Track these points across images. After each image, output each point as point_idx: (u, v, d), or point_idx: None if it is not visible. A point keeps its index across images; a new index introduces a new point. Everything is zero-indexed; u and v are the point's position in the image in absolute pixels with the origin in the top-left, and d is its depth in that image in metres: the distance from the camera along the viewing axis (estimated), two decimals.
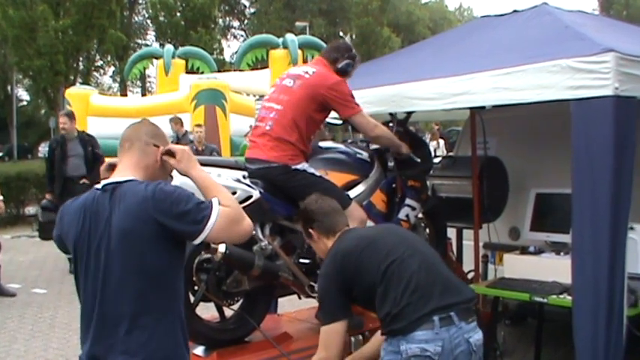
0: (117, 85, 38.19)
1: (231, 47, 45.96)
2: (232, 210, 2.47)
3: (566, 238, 4.46)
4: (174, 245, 2.45)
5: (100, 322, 2.42)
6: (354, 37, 50.38)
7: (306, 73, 4.05)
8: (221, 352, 3.59)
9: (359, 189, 4.22)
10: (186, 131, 11.31)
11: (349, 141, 4.80)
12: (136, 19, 38.58)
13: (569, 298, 3.92)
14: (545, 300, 4.05)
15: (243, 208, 3.55)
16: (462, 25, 5.71)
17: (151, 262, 2.39)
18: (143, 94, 35.51)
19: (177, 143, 10.65)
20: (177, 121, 11.30)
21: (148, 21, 39.61)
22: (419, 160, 4.44)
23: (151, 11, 33.45)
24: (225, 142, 12.85)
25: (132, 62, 19.01)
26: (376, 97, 4.40)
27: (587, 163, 3.42)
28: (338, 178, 4.09)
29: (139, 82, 40.05)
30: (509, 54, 4.08)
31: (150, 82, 40.19)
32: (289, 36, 17.10)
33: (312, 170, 3.90)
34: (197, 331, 3.68)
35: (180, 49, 18.54)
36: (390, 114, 4.59)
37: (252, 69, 17.45)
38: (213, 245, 3.51)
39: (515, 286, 4.26)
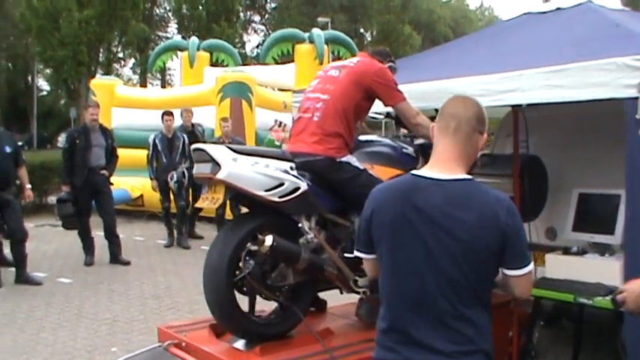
0: (137, 77, 38.22)
1: (251, 42, 45.92)
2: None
3: (610, 239, 4.41)
4: (496, 263, 2.40)
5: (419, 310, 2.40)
6: (374, 33, 50.30)
7: (351, 62, 4.05)
8: (264, 346, 3.55)
9: None
10: (193, 124, 11.34)
11: (393, 135, 4.74)
12: (157, 11, 38.62)
13: None
14: (590, 301, 3.99)
15: (291, 199, 3.59)
16: (505, 22, 5.63)
17: (480, 269, 2.35)
18: (163, 87, 35.53)
19: (190, 134, 10.74)
20: (188, 113, 11.34)
21: (169, 13, 39.72)
22: None
23: (173, 4, 33.48)
24: (251, 136, 12.81)
25: (156, 54, 19.02)
26: (420, 92, 4.37)
27: None
28: (383, 173, 4.04)
29: (158, 75, 40.13)
30: (559, 51, 4.03)
31: (170, 74, 40.29)
32: (315, 31, 17.02)
33: (357, 163, 3.86)
34: (238, 324, 3.65)
35: (205, 41, 18.50)
36: (436, 110, 4.53)
37: (278, 63, 17.42)
38: (260, 237, 3.49)
39: (558, 287, 4.20)
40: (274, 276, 3.65)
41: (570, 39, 4.27)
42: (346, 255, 3.92)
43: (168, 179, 10.50)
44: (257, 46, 45.97)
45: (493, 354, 2.44)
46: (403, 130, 4.64)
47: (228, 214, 10.83)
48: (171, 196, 10.79)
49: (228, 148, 3.55)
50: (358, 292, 3.95)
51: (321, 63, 16.30)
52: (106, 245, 9.57)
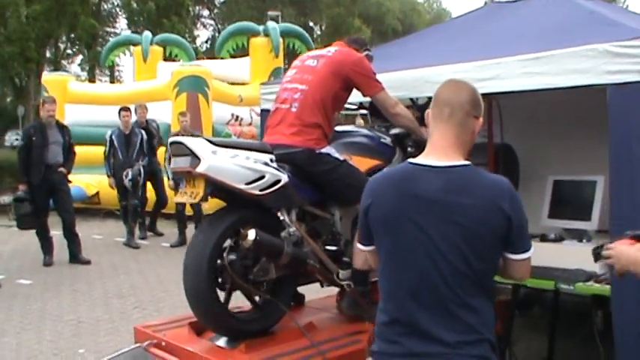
0: (85, 73, 37.46)
1: (201, 37, 45.41)
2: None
3: (586, 225, 4.44)
4: (500, 249, 2.38)
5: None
6: (323, 27, 50.32)
7: (329, 52, 3.98)
8: (249, 343, 3.46)
9: None
10: (147, 120, 11.07)
11: (370, 126, 4.69)
12: (105, 6, 37.88)
13: (597, 285, 3.90)
14: (571, 287, 3.99)
15: (272, 192, 3.50)
16: (473, 11, 5.62)
17: (484, 255, 2.31)
18: (112, 82, 34.86)
19: (144, 130, 10.53)
20: (142, 109, 11.08)
21: (117, 9, 39.02)
22: None
23: None
24: (208, 130, 12.65)
25: (109, 49, 18.61)
26: (397, 81, 4.30)
27: (626, 149, 3.37)
28: (362, 163, 3.99)
29: (107, 71, 39.44)
30: (536, 39, 4.03)
31: (119, 70, 39.62)
32: (271, 24, 16.88)
33: (336, 155, 3.80)
34: (222, 322, 3.56)
35: (158, 36, 18.17)
36: (411, 99, 4.50)
37: (233, 56, 17.24)
38: (242, 231, 3.40)
39: (537, 274, 4.18)
40: (256, 271, 3.56)
41: (546, 27, 4.27)
42: (327, 248, 3.87)
43: (124, 177, 10.26)
44: (206, 41, 45.53)
45: (496, 344, 2.40)
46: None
47: (188, 210, 10.67)
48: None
49: (207, 140, 3.45)
50: (341, 285, 3.89)
51: (276, 56, 16.19)
52: (63, 245, 9.34)
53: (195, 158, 3.37)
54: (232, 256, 3.48)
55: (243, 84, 15.91)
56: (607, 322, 4.81)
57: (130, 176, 10.24)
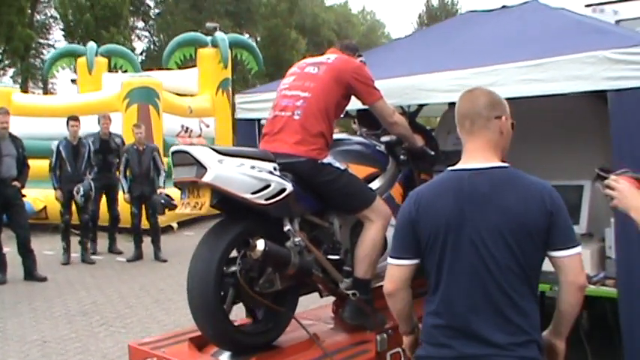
0: (17, 85, 36.33)
1: (137, 49, 44.65)
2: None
3: (574, 229, 4.50)
4: (543, 246, 2.39)
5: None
6: (258, 39, 50.30)
7: (328, 59, 3.92)
8: (260, 357, 3.37)
9: (379, 182, 4.11)
10: (110, 134, 10.77)
11: (358, 134, 4.66)
12: (38, 17, 36.89)
13: (592, 287, 3.97)
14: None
15: (277, 201, 3.43)
16: (451, 20, 5.68)
17: (529, 250, 2.35)
18: (45, 94, 33.89)
19: (103, 143, 10.25)
20: (106, 119, 10.73)
21: (51, 20, 38.06)
22: (432, 152, 4.37)
23: (60, 9, 32.00)
24: (159, 142, 12.36)
25: (52, 59, 18.06)
26: (388, 89, 4.28)
27: (628, 153, 3.44)
28: (359, 171, 3.96)
29: (40, 84, 38.40)
30: (531, 46, 4.08)
31: (52, 82, 38.57)
32: (219, 34, 16.67)
33: (337, 164, 3.75)
34: (229, 336, 3.45)
35: (103, 47, 17.75)
36: (401, 107, 4.50)
37: (180, 68, 17.01)
38: (251, 242, 3.31)
39: None
40: (262, 282, 3.48)
41: (535, 35, 4.35)
42: (329, 257, 3.81)
43: (75, 192, 9.87)
44: (141, 53, 44.81)
45: (542, 344, 2.43)
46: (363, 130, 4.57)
47: (145, 224, 10.44)
48: (73, 208, 10.16)
49: (213, 149, 3.35)
50: (343, 295, 3.83)
51: (225, 67, 16.04)
52: (15, 261, 8.97)
53: (202, 168, 3.27)
54: (239, 268, 3.39)
55: (191, 95, 15.71)
56: (592, 323, 4.92)
57: (81, 192, 9.88)
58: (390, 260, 2.60)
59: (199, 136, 14.88)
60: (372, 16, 72.43)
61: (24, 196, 8.93)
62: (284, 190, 3.46)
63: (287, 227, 3.57)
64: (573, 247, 2.39)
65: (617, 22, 7.22)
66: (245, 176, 3.34)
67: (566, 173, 4.65)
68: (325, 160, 3.70)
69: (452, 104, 5.49)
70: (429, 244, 2.45)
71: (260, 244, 3.28)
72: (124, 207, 10.53)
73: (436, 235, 2.42)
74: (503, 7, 5.25)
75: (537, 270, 2.42)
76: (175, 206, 10.04)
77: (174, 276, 9.30)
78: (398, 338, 3.79)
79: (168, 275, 9.39)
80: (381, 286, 4.50)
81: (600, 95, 4.60)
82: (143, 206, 10.30)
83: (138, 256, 10.43)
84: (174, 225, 13.17)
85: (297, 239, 3.55)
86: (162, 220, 11.07)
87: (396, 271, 2.58)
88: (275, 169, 3.51)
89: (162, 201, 9.75)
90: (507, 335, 2.32)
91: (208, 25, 33.62)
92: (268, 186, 3.40)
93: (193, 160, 3.30)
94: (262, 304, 3.53)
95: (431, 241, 2.44)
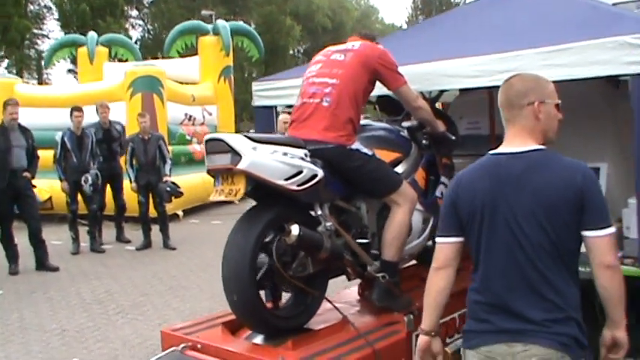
0: (12, 76, 36.16)
1: (132, 37, 44.48)
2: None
3: None
4: (576, 225, 2.45)
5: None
6: (253, 26, 50.17)
7: (353, 46, 3.97)
8: (296, 340, 3.43)
9: (403, 166, 4.18)
10: (110, 122, 10.78)
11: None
12: (31, 7, 36.67)
13: (625, 266, 4.05)
14: (586, 269, 4.13)
15: (309, 187, 3.50)
16: (466, 5, 5.73)
17: (561, 227, 2.43)
18: (39, 84, 33.77)
19: (105, 132, 10.27)
20: (104, 108, 10.73)
21: (45, 10, 37.86)
22: (453, 137, 4.44)
23: None
24: (163, 131, 12.40)
25: (52, 50, 17.98)
26: (409, 74, 4.33)
27: None
28: (384, 156, 4.02)
29: (35, 74, 38.29)
30: (551, 32, 4.14)
31: (47, 73, 38.47)
32: (220, 22, 16.67)
33: (365, 150, 3.81)
34: (264, 320, 3.53)
35: (104, 36, 17.72)
36: (422, 93, 4.56)
37: (182, 56, 17.01)
38: (286, 227, 3.39)
39: None
40: (295, 266, 3.55)
41: (554, 20, 4.41)
42: (358, 241, 3.89)
43: (82, 182, 9.92)
44: (135, 42, 44.63)
45: (584, 326, 2.49)
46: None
47: (152, 212, 10.49)
48: (79, 198, 10.22)
49: (246, 137, 3.41)
50: (371, 277, 3.91)
51: (227, 55, 16.04)
52: (27, 252, 9.03)
53: (236, 155, 3.32)
54: (274, 252, 3.46)
55: (192, 83, 15.72)
56: None
57: (89, 181, 9.93)
58: (436, 239, 2.74)
59: (202, 124, 14.92)
60: (365, 1, 72.25)
61: (34, 186, 8.98)
62: (315, 175, 3.52)
63: (318, 212, 3.64)
64: (604, 227, 2.43)
65: (614, 4, 7.28)
66: (278, 163, 3.40)
67: (583, 156, 4.69)
68: (354, 146, 3.76)
69: (463, 90, 5.61)
70: (468, 224, 2.59)
71: (295, 229, 3.35)
72: (129, 196, 10.57)
73: (474, 215, 2.57)
74: None
75: (572, 249, 2.49)
76: (182, 193, 10.12)
77: (184, 263, 9.40)
78: None
79: (179, 263, 9.47)
80: (407, 268, 4.63)
81: (610, 80, 4.68)
82: (150, 195, 10.35)
83: (147, 244, 10.50)
84: (180, 213, 13.24)
85: (328, 224, 3.63)
86: (169, 208, 11.11)
87: (443, 249, 2.71)
88: (306, 155, 3.57)
89: (168, 189, 9.83)
90: (542, 312, 2.42)
91: (204, 12, 33.60)
92: (300, 172, 3.46)
93: (228, 147, 3.35)
94: (297, 288, 3.60)
95: (470, 221, 2.58)
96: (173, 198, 10.11)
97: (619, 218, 4.46)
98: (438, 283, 2.73)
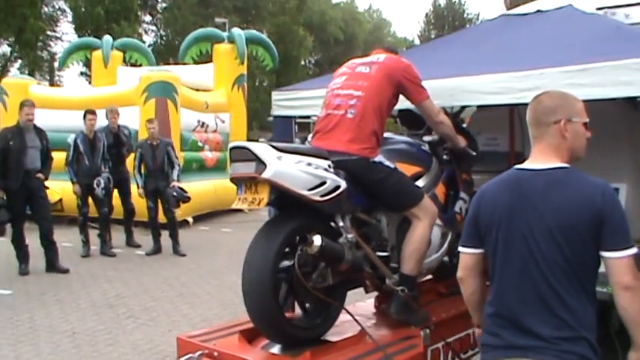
0: (27, 77, 36.39)
1: (145, 43, 44.71)
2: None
3: None
4: (594, 244, 2.45)
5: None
6: (265, 35, 50.30)
7: (378, 59, 3.99)
8: (314, 351, 3.44)
9: (423, 180, 4.20)
10: (119, 126, 10.76)
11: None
12: (46, 9, 36.93)
13: None
14: (605, 290, 4.12)
15: (332, 198, 3.51)
16: (484, 23, 5.77)
17: (577, 247, 2.44)
18: (51, 85, 33.97)
19: (114, 137, 10.28)
20: (114, 113, 10.70)
21: (59, 12, 38.15)
22: (474, 153, 4.45)
23: (70, 1, 32.07)
24: (176, 137, 12.46)
25: (67, 52, 18.05)
26: (432, 89, 4.35)
27: None
28: (406, 170, 4.04)
29: (47, 76, 38.50)
30: (574, 51, 4.15)
31: (59, 75, 38.69)
32: (235, 30, 16.72)
33: (387, 163, 3.83)
34: (283, 330, 3.53)
35: (118, 40, 17.82)
36: (443, 108, 4.57)
37: (196, 63, 17.07)
38: (308, 237, 3.39)
39: None
40: (315, 277, 3.56)
41: (576, 40, 4.41)
42: (378, 254, 3.90)
43: (95, 185, 9.95)
44: (149, 47, 44.81)
45: (597, 347, 2.49)
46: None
47: (162, 218, 10.51)
48: (90, 202, 10.21)
49: (272, 146, 3.43)
50: (392, 291, 3.91)
51: (242, 63, 16.10)
52: (37, 253, 9.06)
53: (261, 164, 3.34)
54: (294, 263, 3.47)
55: (206, 90, 15.77)
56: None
57: (102, 185, 9.97)
58: (460, 248, 2.80)
59: (215, 131, 14.94)
60: (378, 14, 72.65)
61: (47, 188, 9.01)
62: (338, 187, 3.54)
63: (340, 224, 3.65)
64: (623, 249, 2.42)
65: (598, 9, 7.31)
66: (302, 173, 3.42)
67: (602, 176, 4.72)
68: (377, 159, 3.78)
69: (480, 106, 5.61)
70: (486, 236, 2.64)
71: (317, 240, 3.35)
72: (138, 200, 10.56)
73: (491, 228, 2.61)
74: (538, 11, 5.31)
75: (589, 268, 2.49)
76: (189, 198, 10.12)
77: (195, 270, 9.41)
78: (439, 334, 3.92)
79: (189, 269, 9.47)
80: (425, 282, 4.63)
81: (629, 101, 4.68)
82: (159, 200, 10.36)
83: (157, 249, 10.51)
84: (190, 219, 13.24)
85: (349, 235, 3.64)
86: (179, 214, 11.13)
87: (464, 258, 2.79)
88: (330, 166, 3.59)
89: (175, 193, 9.85)
90: (553, 329, 2.43)
91: (217, 20, 33.77)
92: (324, 183, 3.48)
93: (252, 156, 3.37)
94: (317, 299, 3.61)
95: (487, 234, 2.63)
96: (181, 203, 10.14)
97: (638, 240, 4.46)
98: (467, 289, 2.83)
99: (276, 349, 3.65)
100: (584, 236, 2.43)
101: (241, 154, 3.45)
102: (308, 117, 4.85)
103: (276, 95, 5.62)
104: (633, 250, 2.45)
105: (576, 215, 2.42)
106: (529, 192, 2.53)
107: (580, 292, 2.47)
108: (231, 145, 3.56)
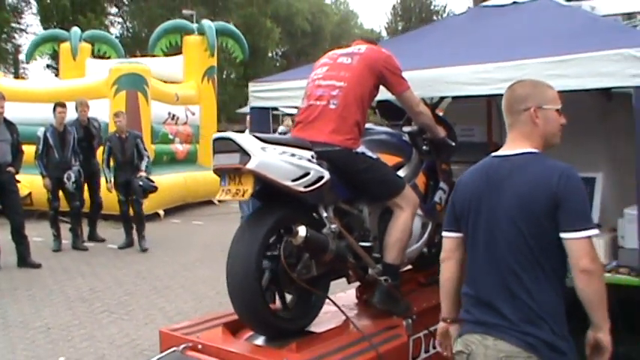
0: None
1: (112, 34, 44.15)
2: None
3: None
4: (552, 228, 2.49)
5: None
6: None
7: (359, 49, 3.98)
8: (300, 342, 3.43)
9: (404, 171, 4.21)
10: (89, 119, 10.60)
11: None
12: (9, 0, 36.25)
13: (607, 274, 4.10)
14: None
15: (315, 189, 3.50)
16: (460, 15, 5.79)
17: (536, 230, 2.50)
18: (16, 78, 33.42)
19: (85, 129, 10.14)
20: (84, 106, 10.51)
21: (23, 3, 37.47)
22: (453, 143, 4.48)
23: None
24: (147, 130, 12.33)
25: (34, 44, 17.69)
26: (411, 80, 4.36)
27: None
28: (387, 160, 4.04)
29: (12, 69, 37.86)
30: (553, 42, 4.19)
31: (24, 67, 38.06)
32: (206, 22, 16.57)
33: (370, 153, 3.84)
34: (268, 321, 3.52)
35: (87, 32, 17.52)
36: (422, 99, 4.58)
37: (166, 55, 16.89)
38: (293, 229, 3.38)
39: None
40: (299, 268, 3.55)
41: (555, 31, 4.45)
42: (361, 244, 3.90)
43: (65, 179, 9.83)
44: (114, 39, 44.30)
45: (565, 333, 2.51)
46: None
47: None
48: (60, 195, 10.08)
49: (255, 137, 3.41)
50: (372, 280, 3.92)
51: (212, 55, 15.99)
52: (7, 248, 8.92)
53: (245, 155, 3.32)
54: (281, 254, 3.45)
55: (176, 82, 15.63)
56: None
57: (72, 178, 9.85)
58: (443, 232, 2.93)
59: (185, 123, 14.84)
60: (345, 6, 72.50)
61: (18, 182, 8.87)
62: (322, 177, 3.54)
63: (323, 214, 3.65)
64: (580, 229, 2.43)
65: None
66: (286, 164, 3.41)
67: (578, 166, 4.78)
68: (359, 150, 3.78)
69: (455, 98, 5.63)
70: (461, 221, 2.79)
71: (302, 231, 3.34)
72: (108, 194, 10.42)
73: (464, 213, 2.75)
74: (514, 2, 5.34)
75: (552, 254, 2.51)
76: (156, 188, 10.03)
77: (169, 264, 9.34)
78: (421, 323, 3.94)
79: (162, 263, 9.41)
80: (405, 272, 4.64)
81: (603, 92, 4.74)
82: (130, 193, 10.24)
83: (129, 243, 10.41)
84: (161, 212, 13.13)
85: (332, 226, 3.64)
86: (150, 206, 11.02)
87: (446, 241, 2.91)
88: (313, 157, 3.58)
89: (141, 183, 9.78)
90: (514, 310, 2.51)
91: (185, 12, 33.46)
92: (307, 174, 3.48)
93: (236, 147, 3.34)
94: (301, 290, 3.60)
95: (462, 219, 2.76)
96: (149, 194, 10.05)
97: (613, 227, 4.53)
98: (444, 274, 2.92)
99: (260, 340, 3.64)
100: (542, 220, 2.49)
101: (225, 146, 3.42)
102: (277, 109, 4.82)
103: (253, 87, 5.58)
104: (591, 232, 2.45)
105: (533, 198, 2.50)
106: (496, 178, 2.64)
107: (541, 277, 2.51)
108: (214, 136, 3.53)
